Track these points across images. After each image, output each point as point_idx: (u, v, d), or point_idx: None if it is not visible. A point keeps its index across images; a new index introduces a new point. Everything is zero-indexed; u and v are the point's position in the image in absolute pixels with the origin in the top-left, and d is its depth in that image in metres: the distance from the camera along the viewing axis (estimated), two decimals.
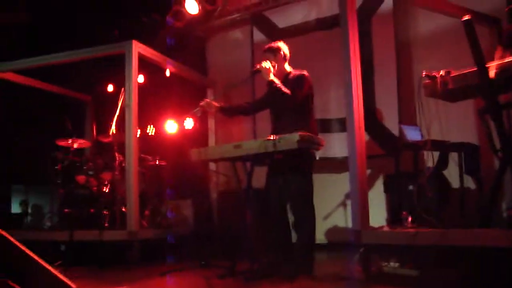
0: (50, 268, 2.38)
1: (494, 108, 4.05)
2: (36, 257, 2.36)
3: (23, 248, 2.37)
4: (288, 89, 4.99)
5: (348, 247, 5.20)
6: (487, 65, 3.96)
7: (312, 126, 5.16)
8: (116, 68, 7.05)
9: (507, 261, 3.97)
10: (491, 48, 5.74)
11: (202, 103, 5.41)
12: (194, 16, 8.01)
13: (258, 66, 5.15)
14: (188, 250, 6.66)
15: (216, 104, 5.53)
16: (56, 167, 7.15)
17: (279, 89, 4.98)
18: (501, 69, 3.90)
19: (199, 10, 7.90)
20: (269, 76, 5.03)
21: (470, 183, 5.53)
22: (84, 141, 7.79)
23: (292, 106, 5.06)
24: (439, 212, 5.00)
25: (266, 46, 5.38)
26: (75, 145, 7.37)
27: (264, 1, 8.03)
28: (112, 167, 6.93)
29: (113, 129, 6.93)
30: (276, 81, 5.03)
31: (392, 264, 4.81)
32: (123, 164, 6.77)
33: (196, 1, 7.81)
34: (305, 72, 5.21)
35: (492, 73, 3.93)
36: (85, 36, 7.80)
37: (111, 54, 6.82)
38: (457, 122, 5.40)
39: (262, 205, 5.47)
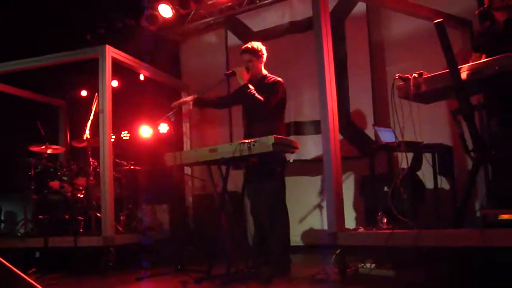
0: (24, 276, 2.34)
1: (467, 109, 4.10)
2: (9, 265, 2.32)
3: None
4: (262, 93, 5.01)
5: (324, 249, 5.22)
6: (459, 67, 4.00)
7: (282, 130, 5.22)
8: (89, 73, 6.99)
9: (480, 260, 4.02)
10: (463, 49, 5.81)
11: (174, 104, 5.44)
12: (167, 20, 7.99)
13: (233, 69, 5.18)
14: (164, 254, 6.62)
15: (189, 98, 5.55)
16: (29, 173, 7.07)
17: (253, 96, 5.01)
18: (473, 71, 3.95)
19: (172, 13, 7.88)
20: (244, 80, 5.07)
21: (444, 183, 5.58)
22: (57, 146, 7.72)
23: (265, 113, 5.08)
24: (414, 212, 5.04)
25: (245, 46, 5.38)
26: (49, 151, 7.31)
27: (237, 5, 8.04)
28: (86, 173, 6.87)
29: (87, 134, 6.86)
30: (251, 87, 5.06)
31: (368, 265, 4.84)
32: (98, 169, 6.71)
33: (170, 5, 7.79)
34: (280, 79, 5.24)
35: (464, 75, 3.97)
36: (58, 41, 7.71)
37: (85, 58, 6.75)
38: (430, 124, 5.43)
39: (238, 209, 5.48)
